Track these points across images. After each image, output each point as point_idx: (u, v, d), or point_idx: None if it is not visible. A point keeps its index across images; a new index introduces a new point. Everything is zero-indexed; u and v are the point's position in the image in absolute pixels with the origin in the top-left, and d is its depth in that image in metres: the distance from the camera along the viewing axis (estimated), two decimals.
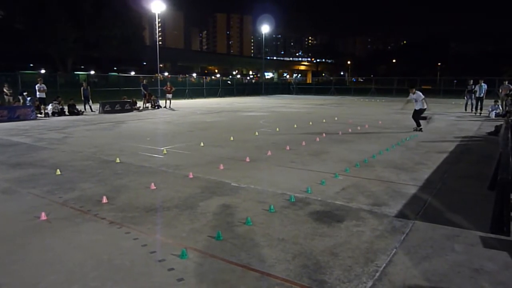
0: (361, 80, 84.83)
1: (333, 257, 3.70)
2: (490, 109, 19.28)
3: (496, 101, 20.15)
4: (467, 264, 3.56)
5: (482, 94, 20.21)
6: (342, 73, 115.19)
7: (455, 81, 53.48)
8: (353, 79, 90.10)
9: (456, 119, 17.59)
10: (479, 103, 20.32)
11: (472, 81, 21.62)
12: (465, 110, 22.00)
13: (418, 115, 13.04)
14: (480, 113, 19.92)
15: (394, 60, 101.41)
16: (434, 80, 60.11)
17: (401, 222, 4.60)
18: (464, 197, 5.63)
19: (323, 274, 3.36)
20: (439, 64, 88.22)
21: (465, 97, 22.14)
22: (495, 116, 18.40)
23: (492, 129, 12.80)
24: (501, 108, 19.28)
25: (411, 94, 13.11)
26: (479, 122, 16.24)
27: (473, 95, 20.98)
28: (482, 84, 20.21)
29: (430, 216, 4.81)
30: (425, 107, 12.91)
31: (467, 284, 3.23)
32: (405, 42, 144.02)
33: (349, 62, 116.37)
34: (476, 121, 16.89)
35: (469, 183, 6.38)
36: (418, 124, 13.02)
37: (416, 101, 12.87)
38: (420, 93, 12.88)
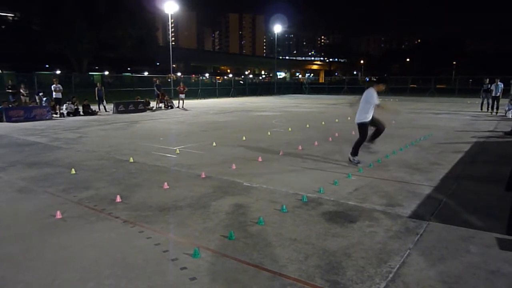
0: (374, 80, 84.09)
1: (346, 257, 3.67)
2: (507, 108, 18.93)
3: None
4: (482, 266, 3.50)
5: (498, 93, 19.88)
6: (355, 72, 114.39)
7: (470, 80, 52.72)
8: (366, 78, 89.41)
9: (471, 119, 17.32)
10: (495, 102, 19.99)
11: (488, 79, 21.28)
12: (481, 109, 21.65)
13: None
14: (496, 113, 19.58)
15: (408, 59, 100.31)
16: (449, 79, 59.30)
17: (415, 223, 4.55)
18: (479, 198, 5.54)
19: (335, 275, 3.34)
20: (454, 63, 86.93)
21: (481, 96, 21.81)
22: (511, 116, 18.07)
23: (509, 128, 12.57)
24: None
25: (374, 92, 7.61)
26: (495, 122, 15.96)
27: (489, 94, 20.64)
28: (499, 83, 19.87)
29: (445, 217, 4.74)
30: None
31: (483, 286, 3.17)
32: (419, 41, 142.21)
33: (362, 62, 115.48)
34: (492, 120, 16.61)
35: (485, 184, 6.28)
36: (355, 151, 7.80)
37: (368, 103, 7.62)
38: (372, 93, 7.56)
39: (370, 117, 7.66)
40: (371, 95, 7.55)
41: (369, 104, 7.56)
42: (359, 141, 7.72)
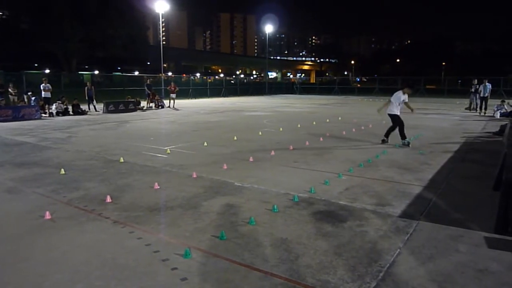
0: (365, 80, 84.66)
1: (337, 257, 3.69)
2: (496, 109, 19.20)
3: (503, 101, 20.10)
4: (471, 264, 3.55)
5: (486, 94, 20.16)
6: (346, 72, 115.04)
7: (459, 80, 53.34)
8: (357, 78, 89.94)
9: (460, 119, 17.52)
10: (483, 103, 20.26)
11: (476, 80, 21.57)
12: (470, 109, 21.96)
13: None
14: (485, 113, 19.85)
15: (398, 60, 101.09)
16: (438, 79, 59.92)
17: (405, 222, 4.59)
18: (468, 197, 5.60)
19: (326, 274, 3.36)
20: (443, 63, 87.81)
21: (470, 97, 22.14)
22: (500, 116, 18.32)
23: (497, 128, 12.73)
24: (506, 108, 19.18)
25: (399, 93, 9.98)
26: (483, 122, 16.16)
27: (477, 94, 20.93)
28: (487, 83, 20.14)
29: (434, 216, 4.79)
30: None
31: (472, 284, 3.21)
32: (409, 41, 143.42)
33: (353, 62, 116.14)
34: (481, 121, 16.81)
35: (473, 183, 6.35)
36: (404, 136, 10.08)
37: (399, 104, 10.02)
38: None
39: (397, 112, 9.90)
40: (394, 94, 9.95)
41: (393, 101, 9.90)
42: (392, 128, 10.19)
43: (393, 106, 9.91)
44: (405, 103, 10.06)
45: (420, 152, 8.86)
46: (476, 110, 20.94)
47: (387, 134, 10.38)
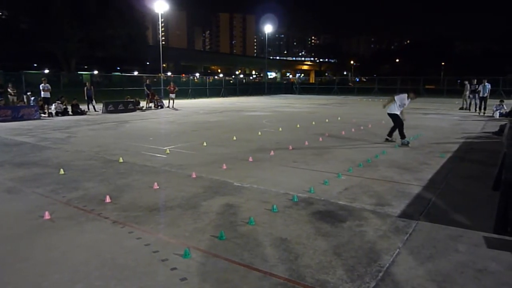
0: (364, 80, 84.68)
1: (336, 257, 3.69)
2: (495, 109, 19.22)
3: (501, 101, 20.12)
4: (470, 264, 3.55)
5: (486, 94, 20.18)
6: (345, 72, 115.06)
7: (458, 80, 53.40)
8: (356, 78, 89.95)
9: (460, 119, 17.52)
10: (482, 103, 20.29)
11: (476, 80, 21.59)
12: (469, 109, 22.01)
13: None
14: (484, 113, 19.86)
15: (397, 60, 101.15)
16: (438, 79, 59.95)
17: (404, 222, 4.59)
18: (467, 197, 5.61)
19: (326, 274, 3.36)
20: (443, 63, 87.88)
21: (469, 97, 22.17)
22: (499, 116, 18.33)
23: (497, 128, 12.74)
24: (505, 108, 19.20)
25: (402, 95, 10.21)
26: (483, 122, 16.17)
27: (476, 94, 20.96)
28: (486, 83, 20.16)
29: (433, 216, 4.79)
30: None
31: (471, 284, 3.21)
32: (408, 41, 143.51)
33: (352, 62, 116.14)
34: (480, 121, 16.82)
35: (473, 183, 6.36)
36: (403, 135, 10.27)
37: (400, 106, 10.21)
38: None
39: (397, 112, 10.16)
40: (399, 95, 10.21)
41: (397, 100, 10.13)
42: (394, 127, 10.41)
43: (394, 105, 10.17)
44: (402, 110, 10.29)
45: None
46: (476, 110, 20.96)
47: (390, 134, 10.57)
